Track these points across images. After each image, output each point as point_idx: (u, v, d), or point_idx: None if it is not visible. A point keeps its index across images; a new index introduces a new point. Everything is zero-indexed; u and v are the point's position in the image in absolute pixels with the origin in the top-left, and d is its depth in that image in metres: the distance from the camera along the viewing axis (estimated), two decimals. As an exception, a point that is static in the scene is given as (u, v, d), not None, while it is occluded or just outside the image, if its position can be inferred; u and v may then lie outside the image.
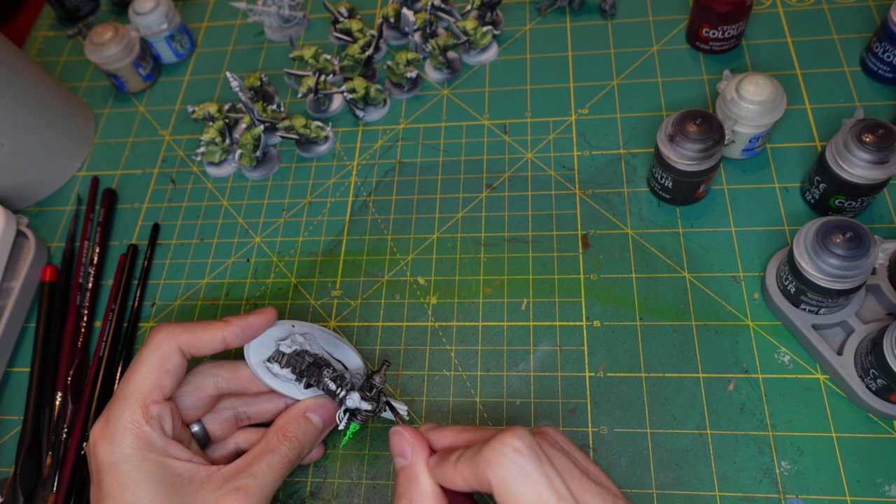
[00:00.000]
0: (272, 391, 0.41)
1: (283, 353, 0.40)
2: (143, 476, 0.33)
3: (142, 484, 0.33)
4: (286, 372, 0.40)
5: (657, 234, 0.49)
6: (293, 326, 0.42)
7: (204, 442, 0.40)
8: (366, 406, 0.40)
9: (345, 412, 0.40)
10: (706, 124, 0.44)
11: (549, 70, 0.60)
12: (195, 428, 0.40)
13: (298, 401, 0.40)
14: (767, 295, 0.45)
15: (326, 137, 0.58)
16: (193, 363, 0.40)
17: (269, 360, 0.40)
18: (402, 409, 0.42)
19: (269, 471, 0.36)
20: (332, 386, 0.40)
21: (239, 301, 0.52)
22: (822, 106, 0.53)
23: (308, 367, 0.40)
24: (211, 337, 0.38)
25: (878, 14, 0.57)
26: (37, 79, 0.58)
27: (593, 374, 0.45)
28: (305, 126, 0.56)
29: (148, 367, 0.36)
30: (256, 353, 0.40)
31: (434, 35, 0.61)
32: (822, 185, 0.46)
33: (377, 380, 0.41)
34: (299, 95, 0.58)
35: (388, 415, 0.41)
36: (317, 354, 0.41)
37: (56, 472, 0.46)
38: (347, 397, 0.40)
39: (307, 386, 0.40)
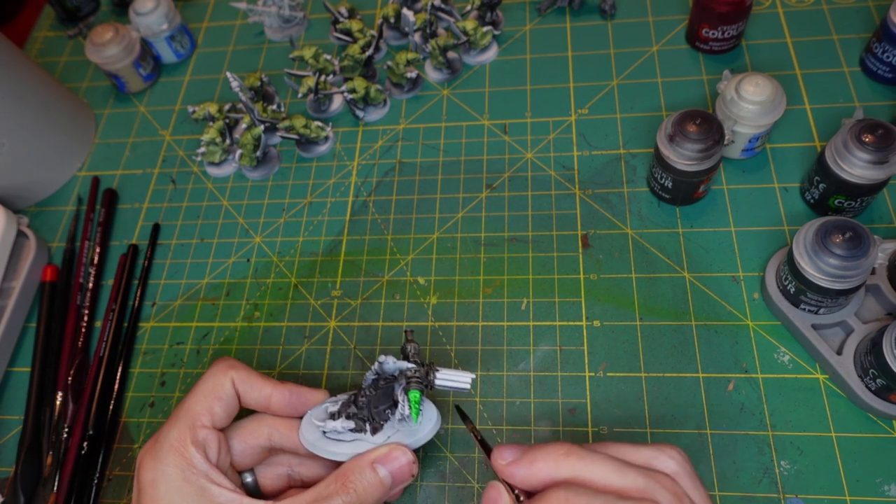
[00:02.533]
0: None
1: (334, 411, 0.37)
2: (181, 499, 0.32)
3: None
4: (342, 425, 0.36)
5: (657, 234, 0.50)
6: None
7: (254, 495, 0.38)
8: (407, 365, 0.37)
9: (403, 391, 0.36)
10: (706, 124, 0.44)
11: (549, 70, 0.60)
12: (248, 479, 0.39)
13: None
14: (767, 295, 0.45)
15: (326, 137, 0.58)
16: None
17: (323, 421, 0.37)
18: (465, 379, 0.37)
19: None
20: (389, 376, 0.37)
21: (239, 301, 0.52)
22: (822, 106, 0.53)
23: (367, 398, 0.37)
24: (261, 385, 0.37)
25: (878, 14, 0.57)
26: (37, 79, 0.58)
27: (593, 374, 0.45)
28: (305, 126, 0.56)
29: (202, 392, 0.36)
30: (308, 432, 0.37)
31: (434, 35, 0.61)
32: (821, 185, 0.46)
33: (410, 349, 0.38)
34: (299, 95, 0.58)
35: (449, 381, 0.37)
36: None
37: (56, 472, 0.46)
38: (391, 372, 0.37)
39: (372, 423, 0.36)
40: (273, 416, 0.39)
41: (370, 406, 0.37)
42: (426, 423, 0.37)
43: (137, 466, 0.34)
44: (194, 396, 0.36)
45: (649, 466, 0.29)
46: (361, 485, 0.34)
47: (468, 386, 0.37)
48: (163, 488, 0.33)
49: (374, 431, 0.36)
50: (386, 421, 0.37)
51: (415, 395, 0.36)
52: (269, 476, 0.39)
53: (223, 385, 0.36)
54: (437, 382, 0.37)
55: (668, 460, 0.30)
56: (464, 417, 0.38)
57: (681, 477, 0.29)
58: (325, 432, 0.37)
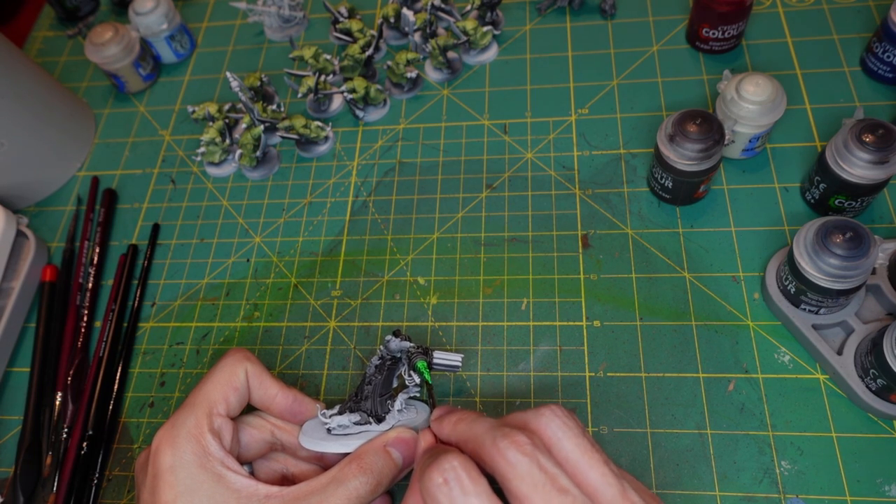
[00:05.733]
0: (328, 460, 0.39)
1: (333, 413, 0.38)
2: (198, 485, 0.33)
3: (195, 494, 0.32)
4: (346, 419, 0.38)
5: (657, 234, 0.49)
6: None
7: None
8: (409, 344, 0.40)
9: (408, 372, 0.39)
10: (706, 124, 0.44)
11: (549, 70, 0.60)
12: (247, 471, 0.39)
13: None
14: (767, 295, 0.45)
15: (326, 137, 0.58)
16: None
17: (327, 416, 0.38)
18: (457, 358, 0.41)
19: (336, 502, 0.33)
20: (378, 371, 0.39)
21: (239, 301, 0.52)
22: (822, 106, 0.53)
23: (369, 389, 0.39)
24: (269, 384, 0.38)
25: (878, 14, 0.57)
26: (37, 79, 0.58)
27: (593, 374, 0.45)
28: (305, 126, 0.56)
29: (218, 380, 0.36)
30: (312, 433, 0.38)
31: (434, 35, 0.61)
32: (822, 185, 0.46)
33: (405, 337, 0.41)
34: (299, 95, 0.58)
35: (444, 360, 0.41)
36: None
37: (56, 472, 0.46)
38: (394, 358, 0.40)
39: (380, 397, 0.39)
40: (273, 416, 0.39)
41: (375, 394, 0.38)
42: (422, 412, 0.40)
43: (154, 452, 0.34)
44: (210, 384, 0.36)
45: (525, 427, 0.30)
46: (378, 466, 0.35)
47: (459, 364, 0.41)
48: (181, 474, 0.33)
49: (379, 421, 0.38)
50: (387, 412, 0.38)
51: (421, 364, 0.39)
52: (265, 471, 0.40)
53: (238, 375, 0.37)
54: (435, 360, 0.40)
55: (540, 418, 0.30)
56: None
57: (553, 431, 0.29)
58: (329, 430, 0.38)
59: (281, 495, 0.33)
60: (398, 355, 0.40)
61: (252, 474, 0.39)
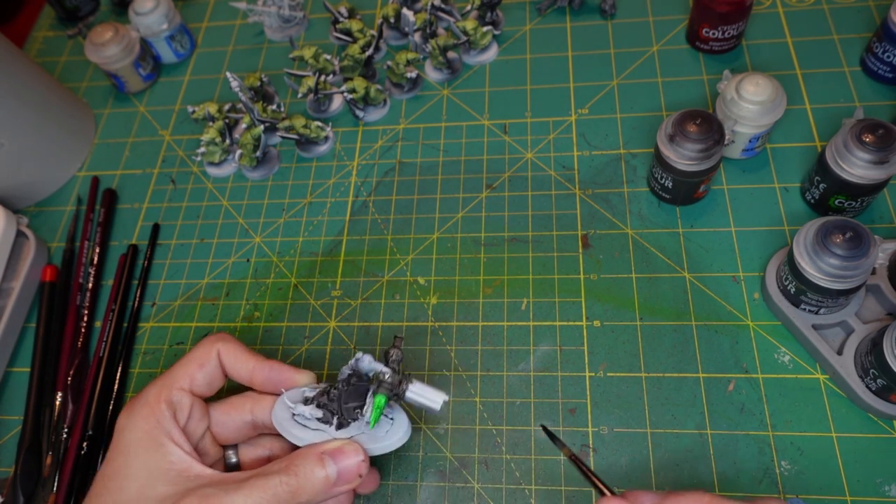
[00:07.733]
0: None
1: (309, 397, 0.37)
2: (137, 451, 0.34)
3: (133, 458, 0.33)
4: (309, 411, 0.36)
5: (657, 234, 0.49)
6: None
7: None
8: (383, 369, 0.36)
9: (371, 393, 0.35)
10: (706, 124, 0.44)
11: (549, 70, 0.60)
12: (232, 459, 0.39)
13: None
14: (767, 295, 0.45)
15: (326, 137, 0.58)
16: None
17: (295, 403, 0.37)
18: (437, 398, 0.36)
19: (248, 497, 0.32)
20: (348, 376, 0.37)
21: (239, 301, 0.52)
22: (822, 106, 0.53)
23: (339, 391, 0.36)
24: (245, 359, 0.38)
25: (878, 14, 0.57)
26: (37, 79, 0.58)
27: (593, 374, 0.45)
28: (305, 126, 0.56)
29: (187, 359, 0.38)
30: (280, 411, 0.37)
31: (434, 35, 0.61)
32: (822, 185, 0.46)
33: (392, 354, 0.36)
34: (299, 95, 0.58)
35: (419, 397, 0.36)
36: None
37: (56, 472, 0.46)
38: (364, 365, 0.36)
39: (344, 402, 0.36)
40: (257, 392, 0.39)
41: (340, 401, 0.36)
42: (394, 433, 0.36)
43: (118, 420, 0.36)
44: (179, 362, 0.38)
45: None
46: (304, 471, 0.33)
47: (438, 407, 0.36)
48: (127, 437, 0.34)
49: (339, 427, 0.36)
50: (354, 420, 0.36)
51: (379, 399, 0.35)
52: (251, 455, 0.40)
53: (208, 354, 0.38)
54: (408, 395, 0.36)
55: None
56: (554, 439, 0.37)
57: None
58: (294, 415, 0.37)
59: (209, 477, 0.34)
60: (368, 375, 0.37)
61: (238, 461, 0.39)
